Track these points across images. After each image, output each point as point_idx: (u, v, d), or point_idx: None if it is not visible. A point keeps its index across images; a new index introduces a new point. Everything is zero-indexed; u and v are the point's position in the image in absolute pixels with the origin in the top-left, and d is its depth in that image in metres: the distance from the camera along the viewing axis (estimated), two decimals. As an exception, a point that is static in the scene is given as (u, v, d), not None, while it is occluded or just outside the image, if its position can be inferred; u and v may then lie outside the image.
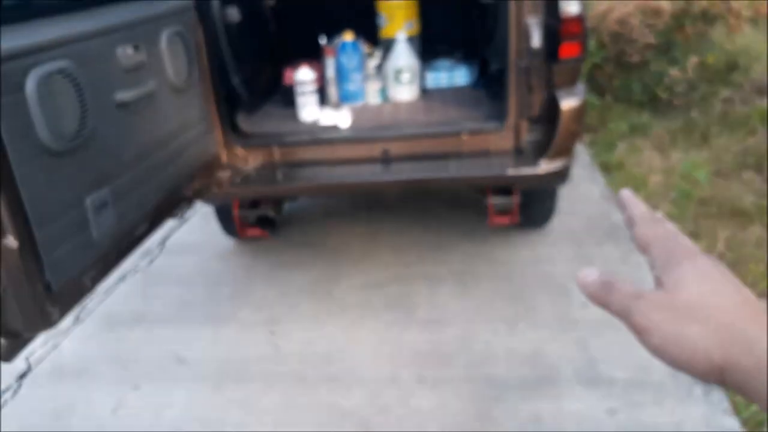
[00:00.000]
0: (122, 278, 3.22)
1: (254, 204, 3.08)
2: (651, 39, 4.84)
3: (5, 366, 2.45)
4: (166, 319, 2.90)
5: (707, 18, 5.11)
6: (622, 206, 0.51)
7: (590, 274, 0.46)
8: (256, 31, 3.07)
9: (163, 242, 3.56)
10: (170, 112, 2.10)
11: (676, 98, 4.82)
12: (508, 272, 3.01)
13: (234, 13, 2.68)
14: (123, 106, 1.81)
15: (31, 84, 1.44)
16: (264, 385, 2.42)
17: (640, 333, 0.42)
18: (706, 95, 4.92)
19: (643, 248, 0.46)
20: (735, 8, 5.08)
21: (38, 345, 2.68)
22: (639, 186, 3.68)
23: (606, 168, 4.06)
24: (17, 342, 1.50)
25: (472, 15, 3.16)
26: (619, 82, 5.08)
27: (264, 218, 3.13)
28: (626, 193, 0.51)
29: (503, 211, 2.97)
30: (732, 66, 5.25)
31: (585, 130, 4.37)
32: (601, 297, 0.45)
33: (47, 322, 1.51)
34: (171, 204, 2.13)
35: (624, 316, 0.43)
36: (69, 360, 2.66)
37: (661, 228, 0.47)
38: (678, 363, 0.41)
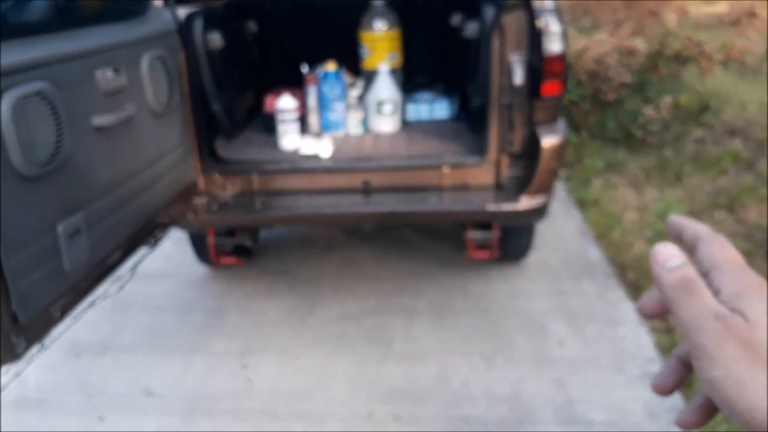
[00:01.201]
0: (91, 304, 3.11)
1: (230, 232, 3.03)
2: (627, 78, 4.94)
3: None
4: (135, 347, 2.81)
5: (680, 60, 5.25)
6: (677, 227, 0.45)
7: (674, 257, 0.40)
8: (238, 57, 3.06)
9: (134, 268, 3.46)
10: (149, 137, 2.06)
11: (650, 136, 4.91)
12: (486, 306, 2.99)
13: (217, 39, 2.66)
14: (100, 130, 1.77)
15: (5, 106, 1.40)
16: (234, 420, 2.34)
17: (701, 358, 0.37)
18: (679, 135, 5.02)
19: (707, 268, 0.41)
20: (707, 51, 5.22)
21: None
22: (614, 223, 3.72)
23: (582, 203, 4.10)
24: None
25: (455, 49, 3.19)
26: (595, 119, 5.16)
27: (240, 247, 3.08)
28: (678, 217, 0.46)
29: (483, 246, 2.96)
30: (704, 107, 5.37)
31: (562, 166, 4.41)
32: (674, 294, 0.39)
33: (12, 354, 1.44)
34: (146, 231, 2.08)
35: (690, 328, 0.38)
36: (32, 389, 2.56)
37: (731, 252, 0.42)
38: (733, 406, 0.36)
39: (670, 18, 8.39)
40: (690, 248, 0.43)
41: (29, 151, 1.45)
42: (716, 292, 0.40)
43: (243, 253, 3.19)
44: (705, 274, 0.41)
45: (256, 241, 3.33)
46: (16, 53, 1.48)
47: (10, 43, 1.51)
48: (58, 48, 1.64)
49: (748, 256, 3.30)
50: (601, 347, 2.64)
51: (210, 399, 2.46)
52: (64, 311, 1.63)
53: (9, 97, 1.40)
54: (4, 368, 2.59)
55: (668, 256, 0.40)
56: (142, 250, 3.23)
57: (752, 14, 9.12)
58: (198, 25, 2.52)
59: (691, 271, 0.40)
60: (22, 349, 1.47)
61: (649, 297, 0.44)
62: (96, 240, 1.74)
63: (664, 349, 2.60)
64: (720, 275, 0.40)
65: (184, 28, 2.39)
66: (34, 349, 2.77)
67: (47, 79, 1.54)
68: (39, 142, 1.50)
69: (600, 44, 5.20)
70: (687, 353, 0.40)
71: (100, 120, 1.76)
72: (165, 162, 2.18)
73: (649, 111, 4.87)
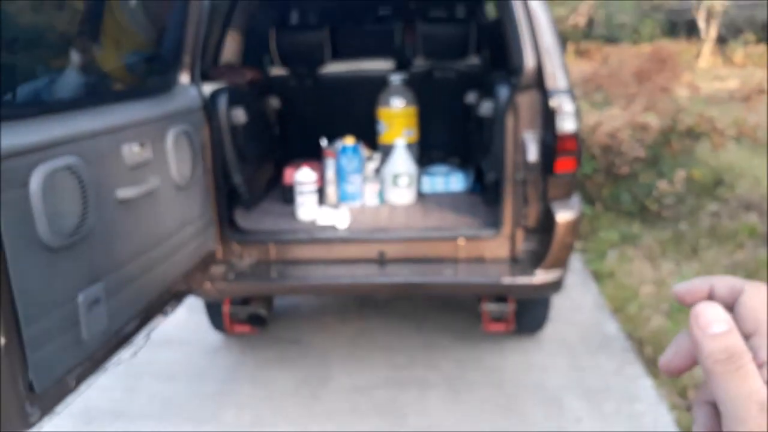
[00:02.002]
0: (104, 370, 3.11)
1: (245, 300, 3.04)
2: (640, 152, 5.00)
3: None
4: (146, 416, 2.79)
5: (693, 135, 5.32)
6: (698, 290, 0.38)
7: (719, 321, 0.34)
8: (260, 131, 3.16)
9: (148, 334, 3.47)
10: (171, 209, 2.11)
11: (664, 210, 4.92)
12: (501, 380, 2.94)
13: (240, 115, 2.76)
14: (124, 202, 1.82)
15: (35, 180, 1.45)
16: (244, 495, 2.29)
17: None
18: (693, 208, 5.03)
19: (751, 331, 0.35)
20: (719, 127, 5.29)
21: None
22: (631, 296, 3.69)
23: (598, 276, 4.08)
24: (-8, 443, 1.43)
25: (470, 126, 3.27)
26: (609, 192, 5.20)
27: (254, 315, 3.09)
28: (686, 282, 0.39)
29: (498, 318, 2.94)
30: (718, 181, 5.40)
31: (577, 239, 4.43)
32: (717, 368, 0.33)
33: (26, 423, 1.45)
34: (163, 300, 2.11)
35: (729, 414, 0.33)
36: (39, 459, 2.53)
37: None
38: None
39: (682, 94, 8.55)
40: (727, 306, 0.37)
41: (55, 222, 1.50)
42: (761, 363, 0.34)
43: (257, 322, 3.19)
44: (748, 337, 0.35)
45: (271, 309, 3.34)
46: (49, 129, 1.55)
47: (44, 119, 1.58)
48: (88, 124, 1.71)
49: None
50: (620, 424, 2.58)
51: (219, 472, 2.41)
52: (80, 380, 1.64)
53: (40, 172, 1.46)
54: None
55: (712, 318, 0.34)
56: (157, 319, 3.25)
57: (762, 90, 9.26)
58: (223, 101, 2.62)
59: (738, 341, 0.34)
60: (35, 418, 1.48)
61: (674, 352, 0.39)
62: (114, 309, 1.76)
63: (685, 427, 2.53)
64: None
65: (209, 104, 2.48)
66: (43, 420, 2.76)
67: (77, 153, 1.60)
68: (65, 214, 1.55)
69: (613, 119, 5.29)
70: (733, 403, 0.34)
71: (124, 193, 1.81)
72: (185, 233, 2.23)
73: (663, 185, 4.91)
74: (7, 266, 1.36)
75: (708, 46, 17.04)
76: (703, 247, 4.39)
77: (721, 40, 17.52)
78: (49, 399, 1.52)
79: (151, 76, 2.31)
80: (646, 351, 3.12)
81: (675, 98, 7.42)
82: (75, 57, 1.87)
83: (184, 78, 2.42)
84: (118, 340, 1.82)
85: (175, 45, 2.36)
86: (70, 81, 1.86)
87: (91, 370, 1.69)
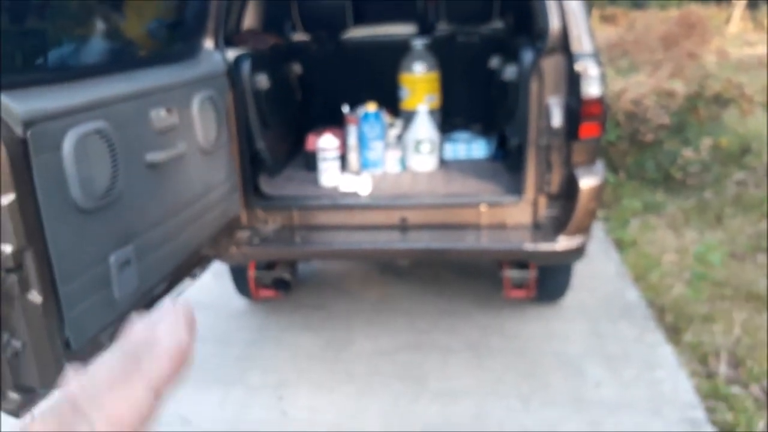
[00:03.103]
0: (132, 334, 3.20)
1: (270, 265, 3.09)
2: (665, 119, 4.92)
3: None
4: (173, 378, 2.86)
5: (720, 101, 5.22)
6: None
7: None
8: (282, 98, 3.16)
9: (175, 298, 3.55)
10: (197, 173, 2.15)
11: (689, 178, 4.87)
12: (522, 346, 2.97)
13: (263, 81, 2.76)
14: (153, 166, 1.86)
15: (68, 143, 1.48)
16: (270, 452, 2.36)
17: None
18: (719, 176, 4.96)
19: None
20: (747, 93, 5.18)
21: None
22: (653, 265, 3.67)
23: (620, 245, 4.06)
24: (30, 398, 1.49)
25: (493, 91, 3.25)
26: (633, 159, 5.14)
27: (279, 280, 3.14)
28: None
29: (520, 285, 2.96)
30: (745, 149, 5.31)
31: (600, 206, 4.40)
32: None
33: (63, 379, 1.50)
34: (191, 263, 2.15)
35: None
36: (73, 416, 2.62)
37: None
38: None
39: (710, 60, 8.36)
40: None
41: (87, 185, 1.54)
42: None
43: (281, 286, 3.25)
44: None
45: (295, 274, 3.39)
46: (79, 94, 1.58)
47: (73, 84, 1.61)
48: (116, 89, 1.74)
49: (792, 301, 3.23)
50: (639, 390, 2.60)
51: (246, 430, 2.48)
52: (113, 339, 1.69)
53: (71, 135, 1.49)
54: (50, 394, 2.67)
55: None
56: (185, 282, 3.32)
57: (794, 56, 9.01)
58: (246, 67, 2.63)
59: None
60: (72, 374, 1.53)
61: None
62: (144, 271, 1.81)
63: (704, 394, 2.55)
64: None
65: (232, 70, 2.49)
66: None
67: (106, 118, 1.63)
68: (96, 177, 1.58)
69: (638, 86, 5.21)
70: None
71: (152, 156, 1.84)
72: (211, 197, 2.26)
73: (688, 152, 4.84)
74: (42, 227, 1.40)
75: (738, 11, 16.56)
76: (727, 216, 4.35)
77: (752, 5, 17.01)
78: (84, 356, 1.57)
79: (176, 43, 2.32)
80: (667, 319, 3.13)
81: (703, 64, 7.26)
82: (100, 26, 1.89)
83: (208, 44, 2.43)
84: (147, 301, 1.87)
85: (199, 11, 2.36)
86: (96, 48, 1.88)
87: (123, 330, 1.74)
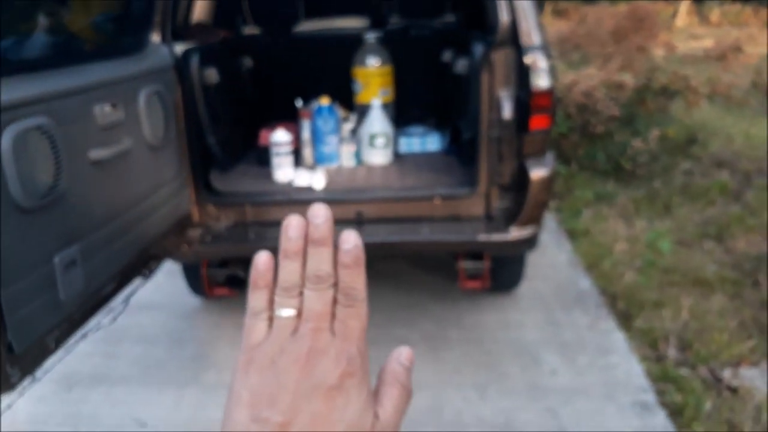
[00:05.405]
0: (83, 336, 3.11)
1: (223, 263, 3.05)
2: (615, 111, 5.03)
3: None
4: (127, 379, 2.81)
5: (667, 93, 5.36)
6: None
7: None
8: (233, 92, 3.12)
9: (127, 299, 3.47)
10: (145, 170, 2.10)
11: (639, 168, 4.99)
12: (479, 337, 3.00)
13: (213, 75, 2.72)
14: (97, 163, 1.81)
15: (6, 140, 1.43)
16: (227, 451, 2.33)
17: None
18: (667, 166, 5.10)
19: None
20: (693, 85, 5.34)
21: (-11, 406, 2.56)
22: (605, 253, 3.76)
23: (572, 234, 4.14)
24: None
25: (446, 85, 3.26)
26: (584, 151, 5.24)
27: (233, 277, 3.10)
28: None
29: (474, 276, 2.99)
30: (691, 139, 5.47)
31: (551, 197, 4.47)
32: None
33: (7, 384, 1.46)
34: (140, 262, 2.10)
35: None
36: (23, 421, 2.55)
37: None
38: None
39: (658, 53, 8.58)
40: None
41: (28, 183, 1.49)
42: None
43: (236, 283, 3.20)
44: None
45: (248, 271, 3.34)
46: (18, 89, 1.53)
47: (12, 79, 1.55)
48: (58, 84, 1.68)
49: (736, 285, 3.34)
50: (593, 376, 2.66)
51: (203, 430, 2.45)
52: (59, 342, 1.65)
53: (10, 132, 1.44)
54: (-4, 400, 2.58)
55: None
56: (136, 282, 3.26)
57: (737, 49, 9.33)
58: (194, 61, 2.58)
59: None
60: (16, 379, 1.49)
61: None
62: (91, 271, 1.76)
63: (655, 378, 2.62)
64: None
65: (180, 64, 2.45)
66: (26, 382, 2.77)
67: (47, 114, 1.58)
68: (38, 175, 1.53)
69: (589, 78, 5.31)
70: None
71: (97, 153, 1.79)
72: (160, 194, 2.22)
73: (637, 143, 4.96)
74: (-20, 228, 1.35)
75: (685, 6, 17.03)
76: (675, 205, 4.48)
77: (698, 0, 17.52)
78: (29, 360, 1.53)
79: (121, 36, 2.26)
80: (619, 306, 3.20)
81: (651, 57, 7.46)
82: (43, 20, 1.83)
83: (155, 38, 2.37)
84: (96, 302, 1.82)
85: (146, 4, 2.31)
86: (38, 42, 1.82)
87: (70, 332, 1.69)
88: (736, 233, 3.92)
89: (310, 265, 0.42)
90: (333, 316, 0.42)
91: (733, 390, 2.53)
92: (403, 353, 0.46)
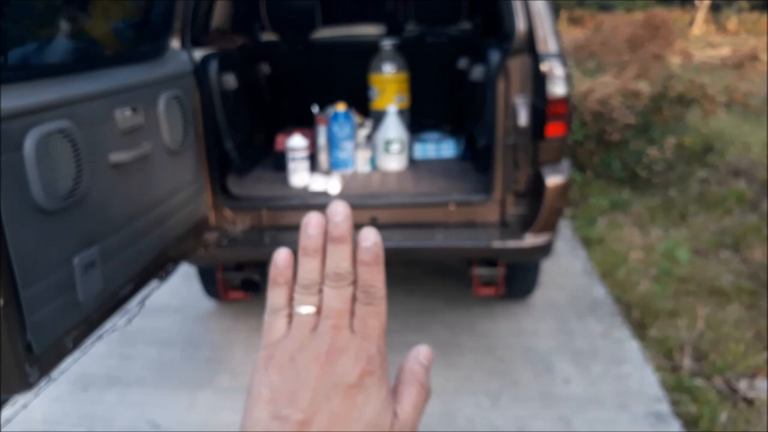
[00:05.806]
0: (99, 337, 3.14)
1: (238, 266, 3.07)
2: (631, 119, 5.01)
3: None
4: (142, 381, 2.83)
5: (684, 102, 5.33)
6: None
7: None
8: (251, 98, 3.14)
9: (142, 301, 3.50)
10: (163, 174, 2.12)
11: (654, 177, 4.96)
12: (492, 344, 3.00)
13: (231, 81, 2.74)
14: (117, 167, 1.83)
15: (29, 143, 1.46)
16: (240, 454, 2.34)
17: None
18: (683, 175, 5.07)
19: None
20: (710, 94, 5.31)
21: (7, 404, 2.59)
22: (619, 262, 3.74)
23: (587, 242, 4.13)
24: (-9, 403, 1.46)
25: (462, 91, 3.27)
26: (600, 159, 5.22)
27: (248, 281, 3.11)
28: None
29: (488, 283, 2.98)
30: (708, 148, 5.44)
31: (566, 204, 4.46)
32: None
33: (25, 383, 1.47)
34: (157, 265, 2.13)
35: None
36: (39, 421, 2.57)
37: None
38: None
39: (674, 61, 8.54)
40: None
41: (50, 186, 1.51)
42: None
43: (251, 287, 3.22)
44: None
45: (264, 275, 3.36)
46: (41, 93, 1.55)
47: (35, 83, 1.58)
48: (80, 88, 1.71)
49: (753, 295, 3.31)
50: (607, 385, 2.64)
51: (216, 433, 2.46)
52: (77, 342, 1.67)
53: (33, 135, 1.47)
54: (12, 399, 2.61)
55: None
56: (152, 284, 3.28)
57: (754, 58, 9.26)
58: (213, 66, 2.61)
59: None
60: (34, 378, 1.51)
61: None
62: (109, 273, 1.78)
63: (670, 388, 2.60)
64: None
65: (199, 70, 2.47)
66: (43, 382, 2.80)
67: (69, 117, 1.61)
68: (59, 178, 1.56)
69: (605, 86, 5.29)
70: None
71: (117, 157, 1.82)
72: (178, 198, 2.24)
73: (653, 152, 4.94)
74: (3, 229, 1.37)
75: (701, 14, 16.95)
76: (691, 213, 4.45)
77: (715, 8, 17.43)
78: (48, 360, 1.55)
79: (142, 42, 2.29)
80: (634, 314, 3.18)
81: (667, 65, 7.42)
82: (65, 25, 1.86)
83: (175, 44, 2.40)
84: (113, 303, 1.84)
85: (166, 11, 2.34)
86: (60, 47, 1.85)
87: (88, 333, 1.71)
88: (753, 243, 3.89)
89: (329, 262, 0.42)
90: (352, 313, 0.42)
91: (749, 401, 2.51)
92: (421, 352, 0.46)
